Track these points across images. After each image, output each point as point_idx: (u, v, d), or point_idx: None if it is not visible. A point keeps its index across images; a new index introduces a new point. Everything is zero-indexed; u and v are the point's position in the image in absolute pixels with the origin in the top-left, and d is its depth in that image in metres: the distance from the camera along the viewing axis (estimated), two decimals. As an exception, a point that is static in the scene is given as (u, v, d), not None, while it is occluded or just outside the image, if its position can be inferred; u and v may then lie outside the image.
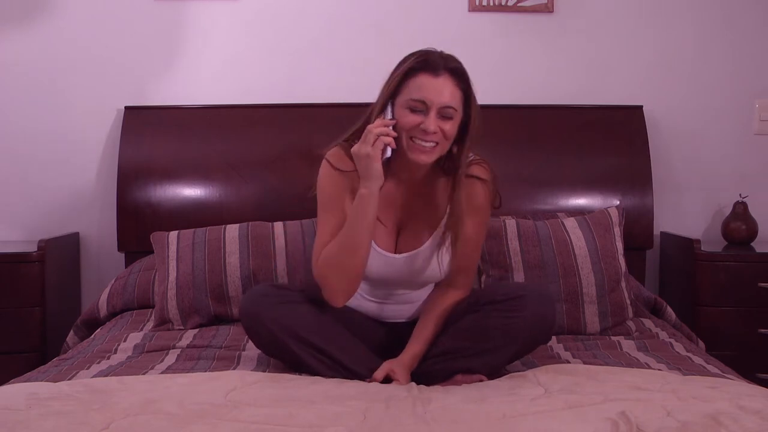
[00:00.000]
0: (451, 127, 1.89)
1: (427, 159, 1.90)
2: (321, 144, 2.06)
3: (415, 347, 1.96)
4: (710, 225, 3.14)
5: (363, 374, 1.91)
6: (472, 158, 2.00)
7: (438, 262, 2.00)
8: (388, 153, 1.89)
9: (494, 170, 2.03)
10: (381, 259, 2.01)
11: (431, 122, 1.86)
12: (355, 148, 1.88)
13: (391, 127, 1.88)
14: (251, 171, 2.96)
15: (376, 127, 1.86)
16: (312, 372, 1.91)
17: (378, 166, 1.86)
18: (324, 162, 2.00)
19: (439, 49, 1.93)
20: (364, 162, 1.86)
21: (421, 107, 1.87)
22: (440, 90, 1.86)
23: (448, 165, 1.98)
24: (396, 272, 2.02)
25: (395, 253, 2.02)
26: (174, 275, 2.50)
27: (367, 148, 1.85)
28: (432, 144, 1.88)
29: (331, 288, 1.93)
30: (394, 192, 2.02)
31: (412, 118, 1.87)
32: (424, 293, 2.09)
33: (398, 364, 1.92)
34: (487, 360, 1.90)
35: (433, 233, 2.01)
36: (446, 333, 1.96)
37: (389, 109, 1.91)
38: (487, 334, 1.88)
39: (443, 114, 1.87)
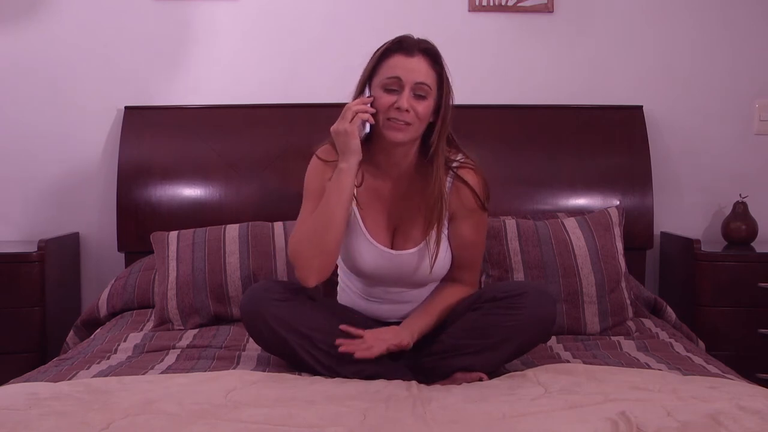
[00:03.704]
0: (424, 108, 1.95)
1: (402, 137, 1.96)
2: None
3: (401, 331, 1.97)
4: (710, 225, 3.14)
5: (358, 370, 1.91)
6: (462, 161, 2.05)
7: (431, 262, 2.01)
8: (367, 129, 1.98)
9: (483, 173, 2.07)
10: (376, 253, 2.03)
11: (404, 99, 1.93)
12: (333, 126, 1.96)
13: (369, 105, 1.95)
14: (251, 171, 2.96)
15: (354, 105, 1.95)
16: (309, 369, 1.91)
17: (356, 142, 1.94)
18: (313, 157, 2.07)
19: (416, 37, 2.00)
20: (342, 138, 1.94)
21: (395, 85, 1.94)
22: (413, 68, 1.94)
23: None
24: (391, 268, 2.03)
25: (391, 249, 2.04)
26: (174, 275, 2.50)
27: (344, 124, 1.93)
28: (405, 123, 1.94)
29: (303, 265, 1.95)
30: (383, 187, 2.07)
31: (387, 99, 1.95)
32: (422, 294, 2.09)
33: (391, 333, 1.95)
34: (487, 357, 1.90)
35: (430, 232, 2.02)
36: (447, 330, 1.97)
37: (367, 91, 1.99)
38: (487, 332, 1.89)
39: (417, 92, 1.94)
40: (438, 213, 1.99)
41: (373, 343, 1.91)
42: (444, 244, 2.03)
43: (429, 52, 1.97)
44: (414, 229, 2.03)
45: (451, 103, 2.01)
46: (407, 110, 1.93)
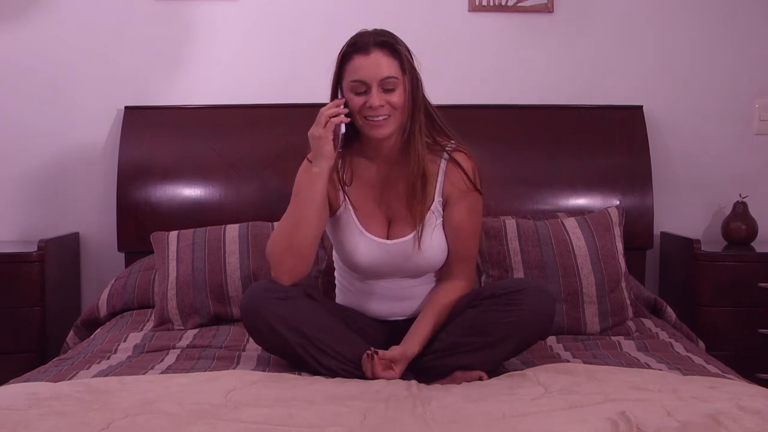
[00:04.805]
0: (398, 98, 1.98)
1: (385, 132, 1.99)
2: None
3: (409, 347, 1.94)
4: (710, 225, 3.14)
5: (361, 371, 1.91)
6: (454, 146, 2.06)
7: (418, 234, 2.01)
8: (342, 129, 2.01)
9: (476, 158, 2.08)
10: (372, 245, 2.04)
11: (375, 98, 1.95)
12: (309, 131, 1.98)
13: (342, 106, 1.99)
14: (251, 171, 2.96)
15: (327, 109, 1.98)
16: (309, 368, 1.91)
17: (329, 148, 1.97)
18: (304, 160, 2.09)
19: (371, 29, 2.03)
20: (316, 143, 1.97)
21: (362, 87, 1.97)
22: (374, 66, 1.96)
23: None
24: (386, 258, 2.04)
25: (387, 239, 2.04)
26: (174, 275, 2.50)
27: (319, 129, 1.97)
28: (383, 117, 1.97)
29: (276, 264, 1.99)
30: (375, 178, 2.08)
31: (358, 100, 1.98)
32: (423, 290, 2.10)
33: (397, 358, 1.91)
34: (486, 355, 1.90)
35: (414, 206, 2.03)
36: (446, 328, 1.97)
37: (339, 95, 2.02)
38: (486, 329, 1.89)
39: (385, 87, 1.97)
40: (421, 187, 2.00)
41: (389, 365, 1.89)
42: (438, 230, 2.04)
43: (385, 45, 1.98)
44: (407, 214, 2.04)
45: (418, 83, 2.02)
46: (381, 105, 1.95)
